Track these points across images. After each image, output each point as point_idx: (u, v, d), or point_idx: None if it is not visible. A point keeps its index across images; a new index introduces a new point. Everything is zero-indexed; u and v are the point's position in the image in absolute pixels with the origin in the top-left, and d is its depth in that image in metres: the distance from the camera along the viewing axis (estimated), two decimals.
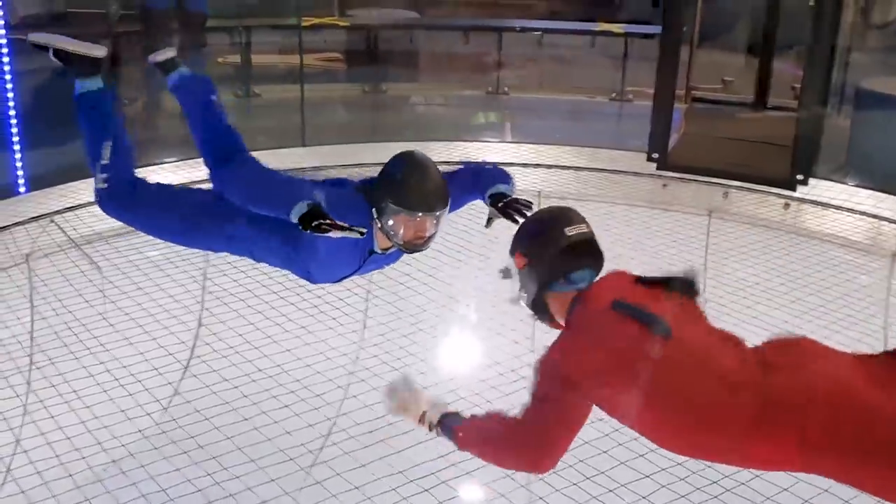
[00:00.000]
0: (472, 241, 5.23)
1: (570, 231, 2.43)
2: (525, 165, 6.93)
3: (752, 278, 5.31)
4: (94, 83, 3.17)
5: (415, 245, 2.79)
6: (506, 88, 8.79)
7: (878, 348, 4.20)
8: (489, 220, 3.00)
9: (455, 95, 8.81)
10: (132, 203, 3.13)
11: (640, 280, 2.41)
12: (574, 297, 2.41)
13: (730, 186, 6.65)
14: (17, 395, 3.82)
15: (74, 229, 5.50)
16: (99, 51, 3.16)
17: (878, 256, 5.64)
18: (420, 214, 2.73)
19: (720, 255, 5.61)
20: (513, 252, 2.54)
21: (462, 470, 3.42)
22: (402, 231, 2.76)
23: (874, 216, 6.07)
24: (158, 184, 3.26)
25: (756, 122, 7.89)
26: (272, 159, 6.30)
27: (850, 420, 2.01)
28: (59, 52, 3.13)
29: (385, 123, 8.16)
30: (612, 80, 8.78)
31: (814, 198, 6.35)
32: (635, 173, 6.92)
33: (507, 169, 3.11)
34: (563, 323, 2.46)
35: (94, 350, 4.26)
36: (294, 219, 2.63)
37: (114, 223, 4.93)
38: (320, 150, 6.54)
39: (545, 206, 2.64)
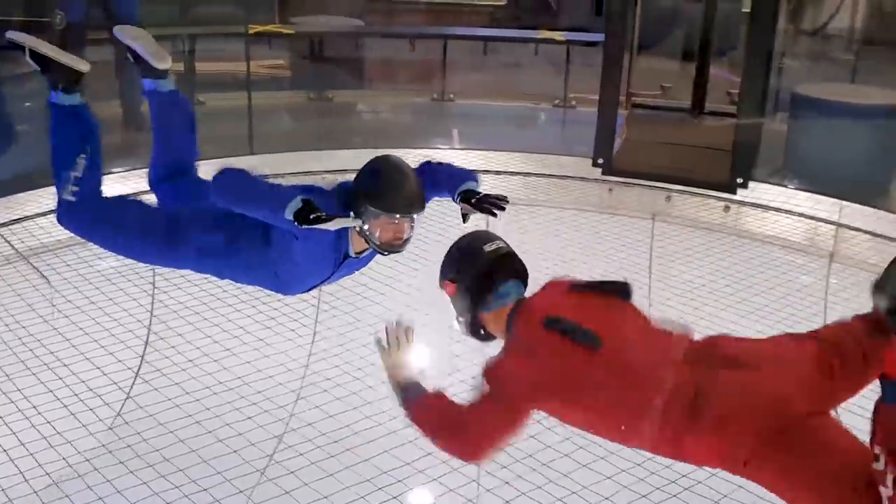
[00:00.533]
0: (429, 249, 5.28)
1: (489, 248, 2.61)
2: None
3: (698, 280, 5.47)
4: (74, 98, 3.11)
5: (393, 246, 2.87)
6: (451, 95, 8.86)
7: None
8: (465, 217, 3.06)
9: (401, 102, 8.86)
10: (97, 218, 3.11)
11: (575, 287, 2.57)
12: (509, 313, 2.56)
13: (672, 190, 6.81)
14: None
15: (22, 241, 5.44)
16: (83, 65, 3.09)
17: (816, 257, 5.85)
18: (398, 217, 2.80)
19: (666, 257, 5.76)
20: (441, 282, 2.69)
21: (429, 476, 3.49)
22: (380, 233, 2.83)
23: (812, 217, 6.28)
24: (124, 199, 3.25)
25: (695, 127, 8.07)
26: (219, 167, 6.43)
27: (768, 425, 2.15)
28: (35, 55, 3.06)
29: (332, 130, 8.17)
30: (556, 86, 8.91)
31: (753, 200, 6.54)
32: (582, 178, 7.04)
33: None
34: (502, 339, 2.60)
35: (52, 365, 4.22)
36: (289, 215, 2.67)
37: (61, 235, 4.95)
38: (269, 158, 6.54)
39: (461, 237, 2.75)
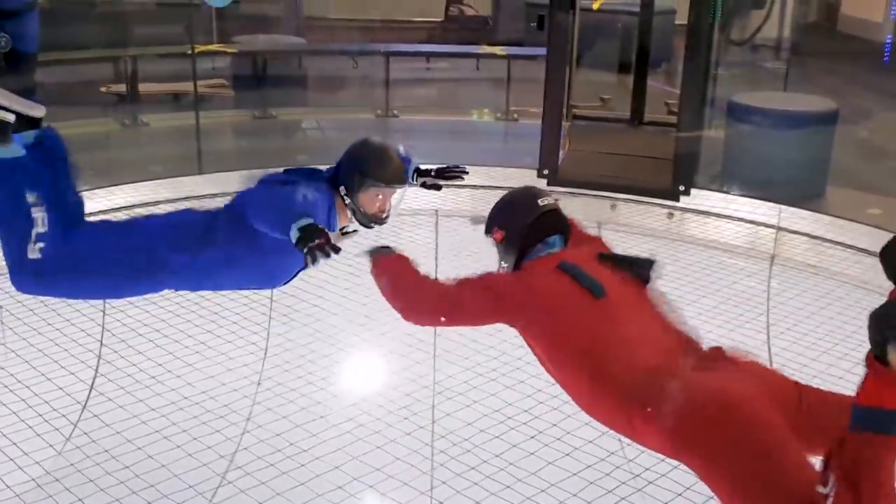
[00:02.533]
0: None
1: (542, 202, 2.81)
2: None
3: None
4: (14, 150, 2.77)
5: (379, 219, 3.10)
6: (395, 111, 8.94)
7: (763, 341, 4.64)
8: (437, 187, 3.32)
9: (345, 119, 8.91)
10: (65, 269, 2.88)
11: (602, 256, 2.72)
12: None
13: (616, 199, 6.97)
14: None
15: None
16: (38, 111, 2.79)
17: (758, 259, 6.05)
18: (392, 186, 3.07)
19: None
20: (489, 229, 2.87)
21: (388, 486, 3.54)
22: (369, 205, 3.05)
23: (752, 222, 6.48)
24: (93, 231, 3.01)
25: (635, 137, 8.26)
26: (170, 188, 6.42)
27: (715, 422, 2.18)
28: None
29: (278, 148, 8.20)
30: (497, 100, 9.05)
31: (695, 207, 6.73)
32: None
33: (397, 197, 3.29)
34: None
35: (12, 386, 4.18)
36: (294, 242, 2.67)
37: None
38: (217, 178, 6.54)
39: (514, 189, 2.96)
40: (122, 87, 8.33)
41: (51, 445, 3.78)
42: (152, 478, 3.58)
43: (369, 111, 8.91)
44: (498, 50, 9.13)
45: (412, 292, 2.72)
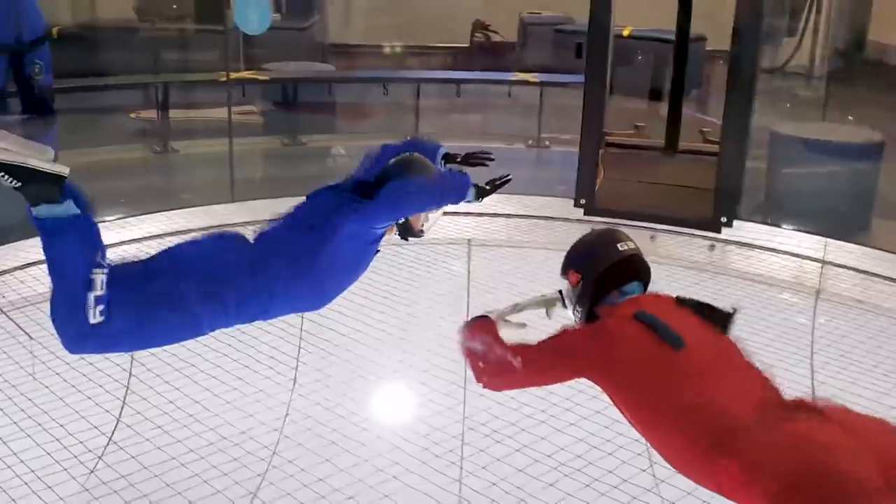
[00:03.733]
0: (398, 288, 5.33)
1: (622, 247, 2.70)
2: (455, 214, 6.96)
3: None
4: (66, 207, 2.51)
5: (419, 233, 3.10)
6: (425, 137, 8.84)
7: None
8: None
9: (375, 145, 8.80)
10: (130, 325, 2.64)
11: (680, 301, 2.61)
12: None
13: (655, 230, 6.82)
14: None
15: (2, 296, 5.27)
16: (62, 168, 2.49)
17: (804, 294, 5.88)
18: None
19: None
20: (565, 271, 2.79)
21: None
22: (415, 218, 3.04)
23: (796, 255, 6.32)
24: (144, 273, 2.76)
25: (670, 166, 8.12)
26: (203, 215, 6.33)
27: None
28: (14, 170, 2.41)
29: (308, 175, 8.10)
30: (528, 127, 8.94)
31: (737, 238, 6.58)
32: (564, 219, 7.04)
33: (435, 216, 3.21)
34: None
35: (33, 413, 4.10)
36: (473, 199, 3.02)
37: (41, 287, 4.81)
38: (250, 206, 6.45)
39: (592, 230, 2.95)
40: (152, 114, 8.27)
41: (76, 479, 3.67)
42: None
43: (399, 138, 8.80)
44: (530, 77, 9.02)
45: (494, 366, 2.62)
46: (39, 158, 2.45)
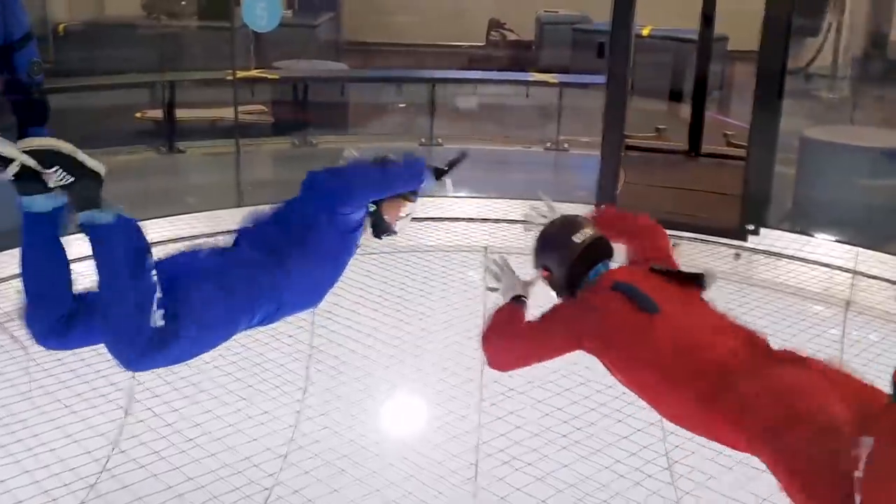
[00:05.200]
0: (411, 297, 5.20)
1: (578, 238, 2.83)
2: (471, 220, 6.72)
3: None
4: (112, 210, 2.37)
5: (392, 229, 3.17)
6: (439, 139, 8.59)
7: None
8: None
9: (388, 147, 8.56)
10: (188, 324, 2.51)
11: (654, 269, 2.74)
12: None
13: (679, 237, 6.56)
14: None
15: None
16: (100, 165, 2.38)
17: (834, 306, 5.61)
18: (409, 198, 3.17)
19: None
20: (536, 267, 2.96)
21: None
22: (391, 214, 3.12)
23: (826, 265, 6.04)
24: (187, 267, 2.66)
25: (693, 170, 7.88)
26: (206, 221, 6.09)
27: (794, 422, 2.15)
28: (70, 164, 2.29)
29: None
30: (546, 129, 8.68)
31: (764, 247, 6.31)
32: None
33: (451, 226, 3.29)
34: None
35: (22, 435, 3.86)
36: (431, 182, 3.16)
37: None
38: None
39: (551, 221, 3.00)
40: (158, 114, 8.04)
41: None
42: None
43: (413, 139, 8.57)
44: (549, 77, 8.75)
45: (500, 339, 2.81)
46: (79, 155, 2.33)
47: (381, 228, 3.12)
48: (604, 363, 2.66)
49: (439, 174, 3.22)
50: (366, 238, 3.13)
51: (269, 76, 8.41)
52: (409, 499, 3.59)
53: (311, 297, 3.00)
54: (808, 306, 5.67)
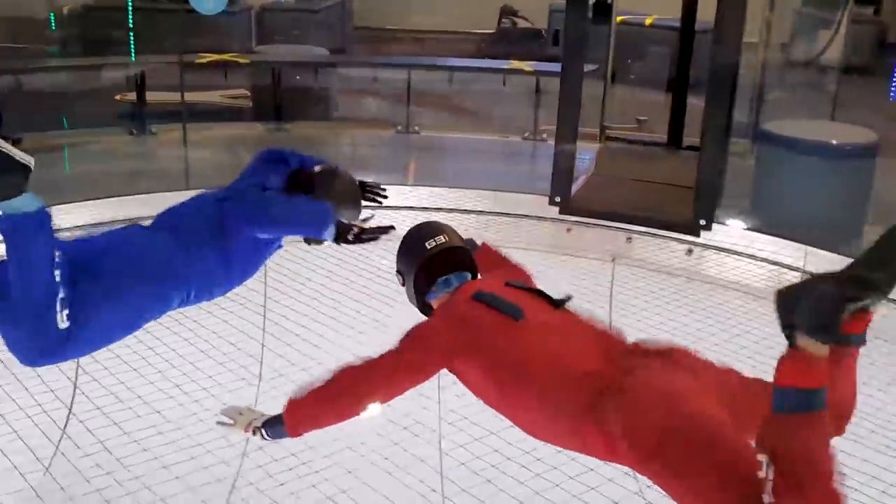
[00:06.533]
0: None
1: (431, 244, 2.73)
2: (425, 209, 6.64)
3: (659, 328, 5.04)
4: (31, 201, 2.39)
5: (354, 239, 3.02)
6: (416, 127, 8.52)
7: None
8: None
9: (363, 134, 8.52)
10: (92, 323, 2.55)
11: (509, 283, 2.66)
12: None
13: (633, 231, 6.43)
14: None
15: None
16: (27, 157, 2.40)
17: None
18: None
19: (626, 304, 5.36)
20: (396, 273, 2.85)
21: None
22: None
23: (775, 263, 5.87)
24: (95, 265, 2.67)
25: (669, 163, 7.68)
26: (146, 205, 6.11)
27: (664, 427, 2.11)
28: None
29: None
30: (525, 119, 8.55)
31: (717, 243, 6.14)
32: (539, 217, 6.67)
33: (404, 214, 3.22)
34: None
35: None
36: (330, 239, 2.93)
37: None
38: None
39: (412, 227, 2.87)
40: (132, 96, 8.11)
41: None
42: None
43: (390, 127, 8.50)
44: (525, 65, 8.60)
45: (363, 385, 2.48)
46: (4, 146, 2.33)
47: (340, 239, 2.99)
48: (469, 382, 2.52)
49: (343, 239, 2.93)
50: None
51: (241, 60, 8.38)
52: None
53: (221, 288, 3.05)
54: (751, 304, 5.52)
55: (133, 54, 7.75)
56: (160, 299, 2.78)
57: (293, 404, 2.45)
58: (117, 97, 8.22)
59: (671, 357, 2.34)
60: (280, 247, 3.21)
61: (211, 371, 4.45)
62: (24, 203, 2.37)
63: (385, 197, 3.27)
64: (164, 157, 7.39)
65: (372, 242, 2.99)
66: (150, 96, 7.98)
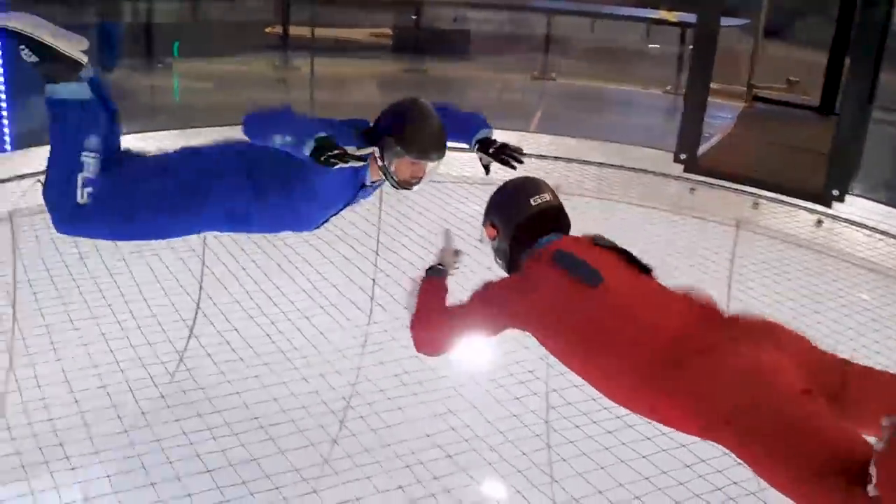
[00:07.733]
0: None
1: (535, 201, 2.61)
2: (542, 157, 6.53)
3: (781, 298, 4.83)
4: (80, 90, 2.71)
5: (409, 184, 2.91)
6: (553, 74, 8.34)
7: None
8: (487, 168, 3.05)
9: (498, 79, 8.40)
10: (110, 214, 2.78)
11: (598, 241, 2.55)
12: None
13: (762, 197, 6.11)
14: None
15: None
16: (82, 46, 2.66)
17: None
18: (421, 161, 2.85)
19: (747, 270, 5.11)
20: (484, 223, 2.72)
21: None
22: (401, 171, 2.87)
23: None
24: (135, 171, 2.86)
25: (816, 128, 7.23)
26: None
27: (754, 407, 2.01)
28: (34, 46, 2.62)
29: None
30: (669, 71, 8.22)
31: (849, 216, 5.76)
32: (663, 174, 6.44)
33: (525, 159, 3.01)
34: None
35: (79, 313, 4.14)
36: (307, 152, 2.67)
37: None
38: None
39: (512, 178, 2.74)
40: (280, 30, 8.30)
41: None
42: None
43: (525, 72, 8.35)
44: (670, 16, 8.23)
45: (426, 323, 2.63)
46: (67, 44, 2.63)
47: (394, 184, 2.92)
48: (541, 342, 2.50)
49: (318, 156, 2.70)
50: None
51: None
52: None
53: (285, 225, 3.06)
54: (881, 285, 5.15)
55: None
56: (190, 218, 2.88)
57: (421, 296, 2.66)
58: (268, 30, 8.43)
59: (772, 335, 2.21)
60: (366, 188, 3.05)
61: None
62: (72, 91, 2.69)
63: (521, 162, 3.00)
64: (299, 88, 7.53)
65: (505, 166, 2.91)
66: (294, 31, 8.16)
